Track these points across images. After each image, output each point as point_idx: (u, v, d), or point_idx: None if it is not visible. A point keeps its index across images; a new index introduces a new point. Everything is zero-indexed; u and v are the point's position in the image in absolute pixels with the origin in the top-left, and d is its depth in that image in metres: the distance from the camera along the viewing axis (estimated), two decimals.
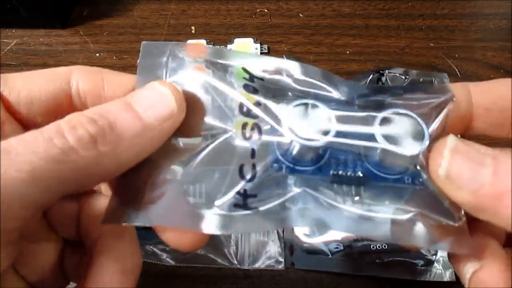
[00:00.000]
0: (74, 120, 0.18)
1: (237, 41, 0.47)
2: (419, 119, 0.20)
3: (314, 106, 0.21)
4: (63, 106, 0.21)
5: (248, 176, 0.20)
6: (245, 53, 0.22)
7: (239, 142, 0.21)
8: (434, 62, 0.44)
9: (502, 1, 0.51)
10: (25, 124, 0.22)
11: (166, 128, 0.19)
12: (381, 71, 0.41)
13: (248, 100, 0.21)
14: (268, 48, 0.47)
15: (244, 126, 0.21)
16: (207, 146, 0.21)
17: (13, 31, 0.49)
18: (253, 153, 0.21)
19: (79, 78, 0.21)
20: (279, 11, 0.51)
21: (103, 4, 0.51)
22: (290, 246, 0.33)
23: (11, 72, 0.51)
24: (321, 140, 0.20)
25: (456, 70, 0.43)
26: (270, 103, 0.21)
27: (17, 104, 0.21)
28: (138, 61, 0.22)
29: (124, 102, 0.19)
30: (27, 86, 0.21)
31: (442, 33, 0.48)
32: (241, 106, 0.21)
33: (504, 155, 0.18)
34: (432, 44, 0.46)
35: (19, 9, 0.47)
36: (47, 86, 0.21)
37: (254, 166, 0.20)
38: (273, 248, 0.34)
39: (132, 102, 0.19)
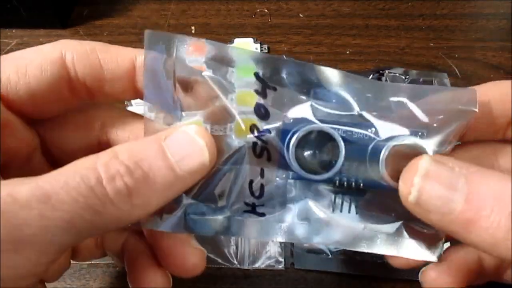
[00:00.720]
0: (112, 168, 0.18)
1: (237, 41, 0.47)
2: (427, 151, 0.20)
3: (320, 133, 0.21)
4: (63, 89, 0.21)
5: (257, 193, 0.21)
6: (246, 50, 0.21)
7: (251, 158, 0.21)
8: (434, 62, 0.44)
9: (502, 1, 0.51)
10: (27, 115, 0.21)
11: (196, 179, 0.20)
12: (381, 71, 0.41)
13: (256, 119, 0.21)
14: (268, 48, 0.47)
15: (255, 145, 0.21)
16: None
17: (13, 31, 0.49)
18: (262, 172, 0.21)
19: (74, 61, 0.21)
20: (279, 11, 0.51)
21: (103, 4, 0.51)
22: (290, 246, 0.33)
23: None
24: (328, 174, 0.21)
25: (456, 70, 0.43)
26: (277, 132, 0.21)
27: (17, 98, 0.21)
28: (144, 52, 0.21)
29: (158, 147, 0.19)
30: (23, 78, 0.20)
31: (442, 33, 0.48)
32: (252, 128, 0.21)
33: (479, 176, 0.18)
34: (432, 44, 0.46)
35: (19, 9, 0.47)
36: (45, 73, 0.21)
37: (262, 186, 0.21)
38: (273, 248, 0.34)
39: (165, 147, 0.19)
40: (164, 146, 0.19)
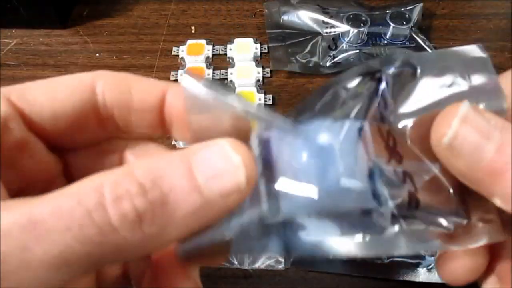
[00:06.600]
0: (120, 187, 0.15)
1: (237, 41, 0.47)
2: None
3: None
4: (89, 118, 0.20)
5: None
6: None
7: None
8: None
9: (502, 1, 0.51)
10: (50, 141, 0.20)
11: (230, 203, 0.16)
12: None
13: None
14: (268, 48, 0.47)
15: None
16: None
17: (13, 31, 0.49)
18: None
19: (104, 87, 0.19)
20: None
21: (103, 4, 0.51)
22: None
23: (10, 72, 0.50)
24: None
25: None
26: None
27: (40, 121, 0.19)
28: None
29: (184, 166, 0.16)
30: (50, 100, 0.19)
31: (442, 33, 0.48)
32: None
33: None
34: (432, 44, 0.46)
35: (19, 9, 0.47)
36: (72, 98, 0.19)
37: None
38: None
39: (193, 164, 0.16)
40: (191, 162, 0.16)
